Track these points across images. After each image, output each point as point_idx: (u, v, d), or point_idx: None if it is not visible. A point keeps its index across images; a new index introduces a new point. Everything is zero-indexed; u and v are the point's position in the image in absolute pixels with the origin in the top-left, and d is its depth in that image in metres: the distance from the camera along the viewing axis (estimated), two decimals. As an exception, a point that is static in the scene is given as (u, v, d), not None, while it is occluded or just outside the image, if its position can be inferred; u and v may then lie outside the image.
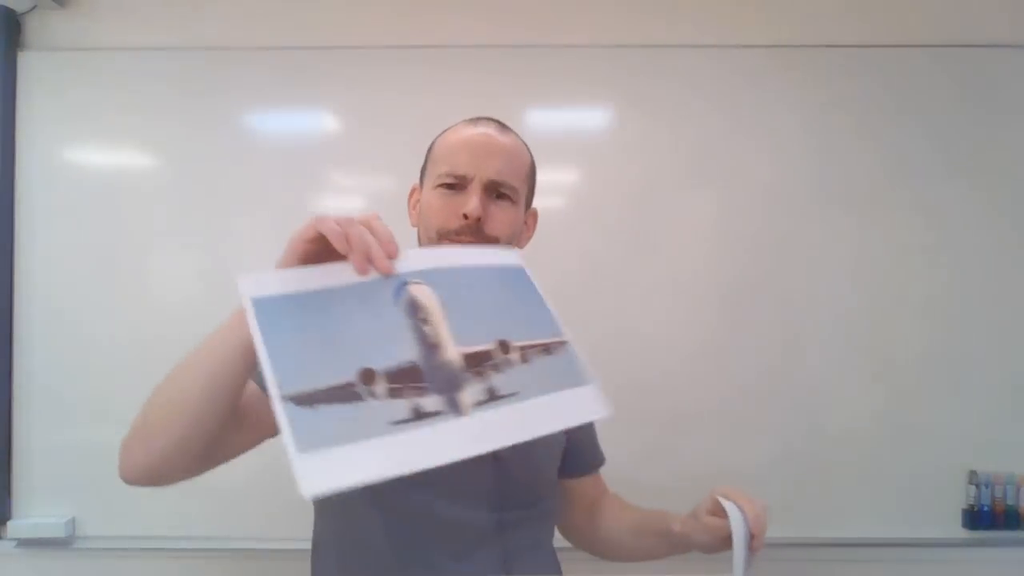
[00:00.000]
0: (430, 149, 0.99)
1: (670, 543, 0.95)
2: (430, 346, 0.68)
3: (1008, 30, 1.59)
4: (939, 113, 1.56)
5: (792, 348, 1.55)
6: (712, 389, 1.54)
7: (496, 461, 0.88)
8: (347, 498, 0.92)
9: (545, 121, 1.61)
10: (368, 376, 0.65)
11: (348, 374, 0.64)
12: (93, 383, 1.51)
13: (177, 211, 1.55)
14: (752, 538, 0.84)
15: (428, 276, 0.71)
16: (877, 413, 1.54)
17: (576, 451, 1.07)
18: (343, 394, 0.63)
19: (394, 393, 0.65)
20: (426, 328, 0.68)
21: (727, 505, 0.86)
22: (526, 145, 0.99)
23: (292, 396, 0.61)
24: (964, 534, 1.53)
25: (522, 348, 0.71)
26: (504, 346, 0.71)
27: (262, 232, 1.50)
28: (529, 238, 1.03)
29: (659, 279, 1.55)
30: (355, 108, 1.59)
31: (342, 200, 1.61)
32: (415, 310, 0.69)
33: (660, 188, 1.57)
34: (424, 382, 0.66)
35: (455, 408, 0.66)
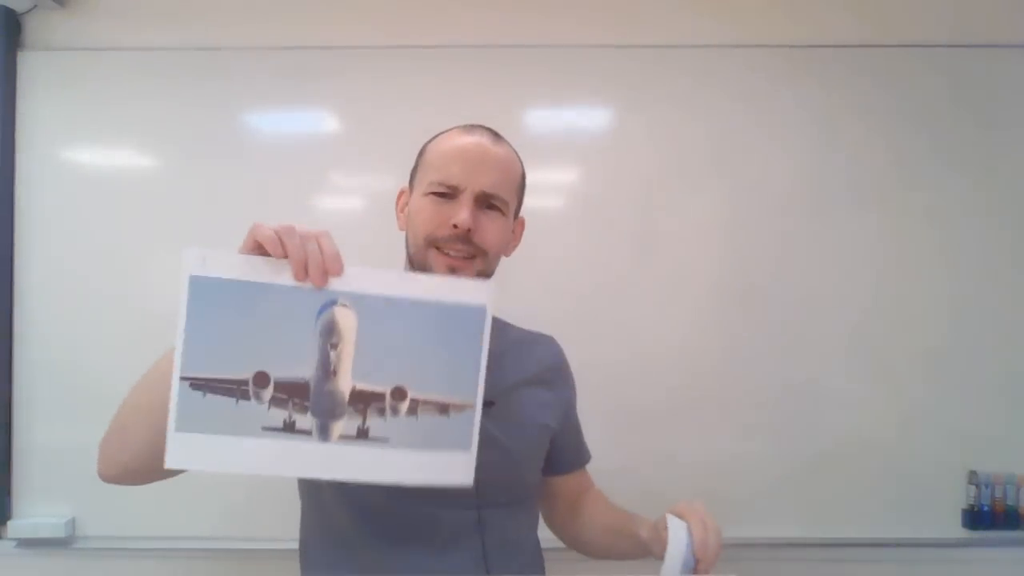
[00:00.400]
0: (421, 153, 0.99)
1: (638, 547, 0.96)
2: (327, 372, 0.71)
3: (1009, 30, 1.59)
4: (941, 113, 1.56)
5: (793, 348, 1.55)
6: (712, 389, 1.54)
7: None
8: (324, 497, 0.94)
9: (545, 121, 1.61)
10: (261, 380, 0.69)
11: (246, 372, 0.69)
12: (93, 383, 1.51)
13: (177, 211, 1.55)
14: (697, 562, 0.81)
15: (362, 302, 0.72)
16: (877, 413, 1.54)
17: (560, 450, 1.08)
18: (233, 389, 0.69)
19: (276, 402, 0.70)
20: (331, 353, 0.71)
21: (671, 523, 0.84)
22: (517, 155, 1.00)
23: (189, 378, 0.68)
24: (964, 534, 1.53)
25: (417, 401, 0.73)
26: (398, 394, 0.72)
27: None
28: (515, 246, 1.04)
29: (659, 279, 1.55)
30: (355, 108, 1.59)
31: (342, 200, 1.61)
32: (329, 333, 0.71)
33: (660, 189, 1.56)
34: (308, 401, 0.70)
35: (323, 434, 0.71)
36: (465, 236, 0.90)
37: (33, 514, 1.52)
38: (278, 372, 0.70)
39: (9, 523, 1.52)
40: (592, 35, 1.58)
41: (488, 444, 0.90)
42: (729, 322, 1.54)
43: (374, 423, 0.71)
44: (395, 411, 0.72)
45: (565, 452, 1.10)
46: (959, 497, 1.54)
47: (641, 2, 1.60)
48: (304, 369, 0.71)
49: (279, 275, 0.70)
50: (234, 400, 0.69)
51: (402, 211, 1.01)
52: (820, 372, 1.55)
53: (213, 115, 1.56)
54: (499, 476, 0.93)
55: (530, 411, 1.01)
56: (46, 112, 1.55)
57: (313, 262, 0.69)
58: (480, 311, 0.75)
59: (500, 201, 0.94)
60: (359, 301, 0.71)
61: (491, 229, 0.93)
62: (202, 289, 0.69)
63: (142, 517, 1.51)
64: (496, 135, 0.98)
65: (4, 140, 1.53)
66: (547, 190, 1.55)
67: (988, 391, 1.54)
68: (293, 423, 0.70)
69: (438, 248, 0.91)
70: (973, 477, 1.53)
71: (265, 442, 0.70)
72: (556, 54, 1.56)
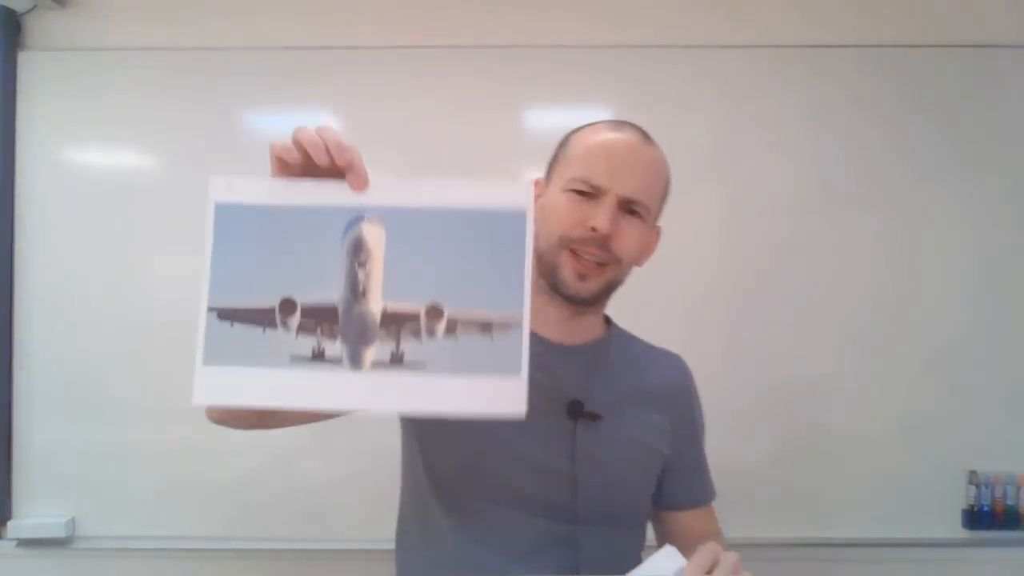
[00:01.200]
0: (563, 145, 0.92)
1: None
2: (356, 292, 0.66)
3: (1010, 30, 1.59)
4: (943, 113, 1.56)
5: (793, 348, 1.55)
6: (711, 388, 1.53)
7: (576, 476, 0.86)
8: (424, 498, 0.90)
9: (545, 121, 1.60)
10: (288, 307, 0.66)
11: (272, 299, 0.66)
12: (93, 383, 1.51)
13: (177, 211, 1.54)
14: None
15: (390, 215, 0.67)
16: (877, 413, 1.54)
17: (670, 482, 0.97)
18: (260, 317, 0.66)
19: (304, 328, 0.66)
20: (359, 272, 0.67)
21: (663, 551, 0.76)
22: (666, 159, 0.92)
23: (217, 308, 0.65)
24: (964, 534, 1.53)
25: (455, 319, 0.65)
26: (433, 312, 0.66)
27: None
28: (648, 257, 0.97)
29: (658, 279, 1.54)
30: (355, 108, 1.58)
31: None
32: (357, 250, 0.67)
33: (660, 188, 1.57)
34: (337, 326, 0.66)
35: (355, 361, 0.66)
36: (602, 241, 0.84)
37: (33, 514, 1.52)
38: (306, 298, 0.66)
39: (9, 523, 1.52)
40: (592, 35, 1.57)
41: (587, 463, 0.87)
42: (728, 322, 1.54)
43: (409, 347, 0.65)
44: (431, 332, 0.65)
45: (674, 485, 0.97)
46: (959, 497, 1.54)
47: (641, 2, 1.60)
48: (332, 293, 0.66)
49: (304, 196, 0.67)
50: (261, 329, 0.65)
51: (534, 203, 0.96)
52: (820, 372, 1.55)
53: (213, 115, 1.56)
54: (597, 496, 0.88)
55: (638, 431, 0.93)
56: (46, 112, 1.55)
57: (332, 143, 0.66)
58: (519, 215, 0.67)
59: (642, 207, 0.87)
60: (387, 215, 0.67)
61: (630, 236, 0.87)
62: (228, 216, 0.67)
63: (142, 517, 1.51)
64: (646, 135, 0.90)
65: (4, 140, 1.53)
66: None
67: (988, 391, 1.53)
68: (322, 351, 0.65)
69: (571, 250, 0.85)
70: (973, 477, 1.53)
71: (294, 373, 0.65)
72: (556, 54, 1.56)
